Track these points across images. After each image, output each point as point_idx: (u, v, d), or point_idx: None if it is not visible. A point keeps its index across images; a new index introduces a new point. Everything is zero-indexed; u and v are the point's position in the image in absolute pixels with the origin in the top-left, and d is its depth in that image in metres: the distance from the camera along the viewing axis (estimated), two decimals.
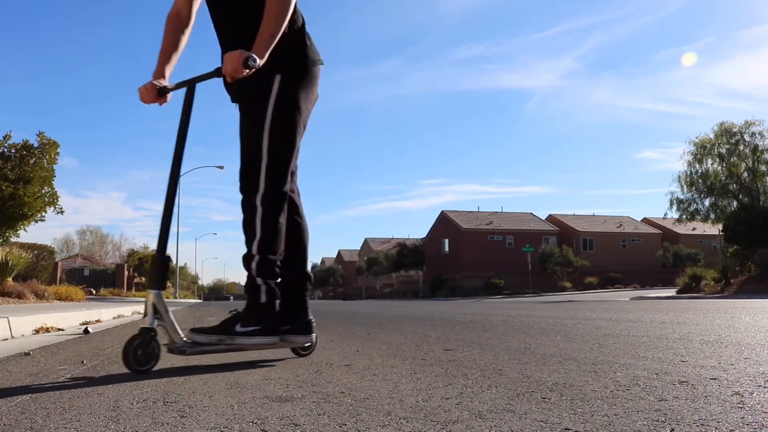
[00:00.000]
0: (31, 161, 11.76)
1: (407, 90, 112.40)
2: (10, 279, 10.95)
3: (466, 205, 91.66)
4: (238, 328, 2.34)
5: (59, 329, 4.92)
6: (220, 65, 2.31)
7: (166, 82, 2.54)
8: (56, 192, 12.22)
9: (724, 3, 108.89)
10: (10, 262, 10.99)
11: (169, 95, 2.52)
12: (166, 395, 1.69)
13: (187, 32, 2.69)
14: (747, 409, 1.35)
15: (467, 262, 47.00)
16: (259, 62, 2.22)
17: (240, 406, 1.52)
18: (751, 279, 18.90)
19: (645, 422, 1.24)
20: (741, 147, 28.19)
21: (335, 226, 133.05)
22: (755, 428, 1.18)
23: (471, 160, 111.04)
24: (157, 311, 2.17)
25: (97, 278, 36.72)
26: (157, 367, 2.16)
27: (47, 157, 11.96)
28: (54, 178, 12.16)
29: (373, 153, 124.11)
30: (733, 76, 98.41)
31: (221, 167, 37.55)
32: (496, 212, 54.47)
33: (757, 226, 19.50)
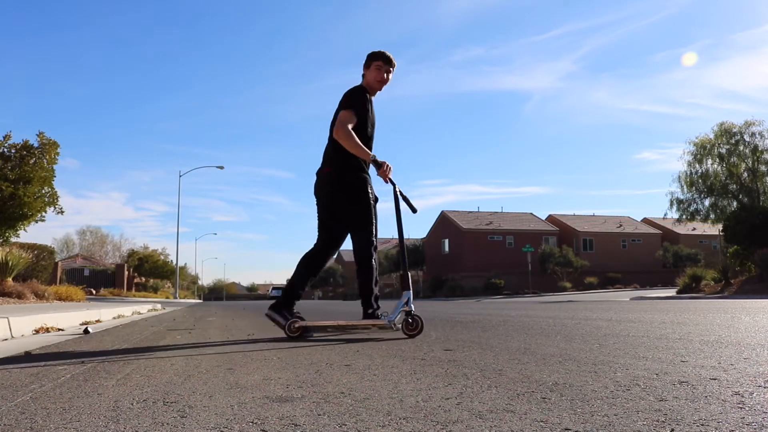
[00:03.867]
0: (31, 161, 11.75)
1: (407, 91, 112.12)
2: (10, 279, 10.95)
3: (466, 205, 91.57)
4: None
5: (59, 329, 4.92)
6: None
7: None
8: (56, 192, 12.22)
9: (721, 6, 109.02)
10: (10, 262, 10.99)
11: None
12: (166, 395, 1.69)
13: None
14: (747, 409, 1.35)
15: (467, 262, 46.99)
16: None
17: (240, 406, 1.51)
18: (751, 279, 18.89)
19: (645, 422, 1.24)
20: (741, 147, 28.13)
21: None
22: (755, 428, 1.18)
23: (471, 160, 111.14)
24: (408, 302, 3.63)
25: (97, 278, 36.71)
26: (157, 367, 2.15)
27: (47, 157, 11.95)
28: (54, 178, 12.16)
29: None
30: (730, 77, 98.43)
31: (221, 167, 37.42)
32: (496, 212, 54.43)
33: (757, 226, 19.48)
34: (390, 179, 3.84)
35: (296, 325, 3.73)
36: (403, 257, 3.89)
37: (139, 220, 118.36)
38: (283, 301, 3.94)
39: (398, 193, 3.93)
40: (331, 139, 3.96)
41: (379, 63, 3.98)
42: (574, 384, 1.73)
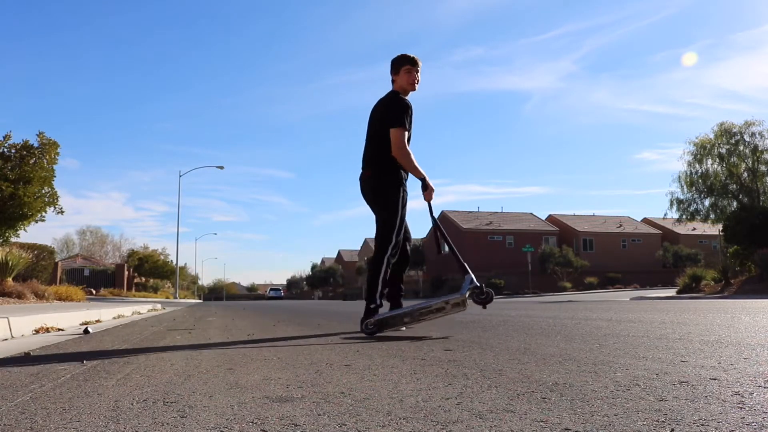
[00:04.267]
0: (31, 161, 11.73)
1: None
2: (10, 279, 10.95)
3: (466, 205, 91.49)
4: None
5: (59, 329, 4.92)
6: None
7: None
8: (56, 192, 12.20)
9: (721, 6, 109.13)
10: (10, 262, 10.99)
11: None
12: (166, 395, 1.69)
13: None
14: (747, 409, 1.35)
15: (467, 263, 46.89)
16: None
17: (240, 406, 1.51)
18: (751, 279, 18.87)
19: (645, 422, 1.24)
20: (741, 147, 28.09)
21: (335, 226, 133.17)
22: (755, 428, 1.18)
23: (471, 160, 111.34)
24: (473, 281, 3.83)
25: (97, 278, 36.69)
26: (157, 367, 2.15)
27: (47, 157, 11.93)
28: (54, 178, 12.14)
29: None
30: (730, 77, 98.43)
31: (221, 167, 37.39)
32: (496, 212, 54.44)
33: (757, 226, 19.45)
34: (429, 204, 4.18)
35: (372, 321, 3.81)
36: (456, 256, 4.11)
37: (139, 220, 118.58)
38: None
39: (438, 224, 4.23)
40: (369, 144, 4.22)
41: (407, 67, 4.19)
42: (574, 384, 1.73)
